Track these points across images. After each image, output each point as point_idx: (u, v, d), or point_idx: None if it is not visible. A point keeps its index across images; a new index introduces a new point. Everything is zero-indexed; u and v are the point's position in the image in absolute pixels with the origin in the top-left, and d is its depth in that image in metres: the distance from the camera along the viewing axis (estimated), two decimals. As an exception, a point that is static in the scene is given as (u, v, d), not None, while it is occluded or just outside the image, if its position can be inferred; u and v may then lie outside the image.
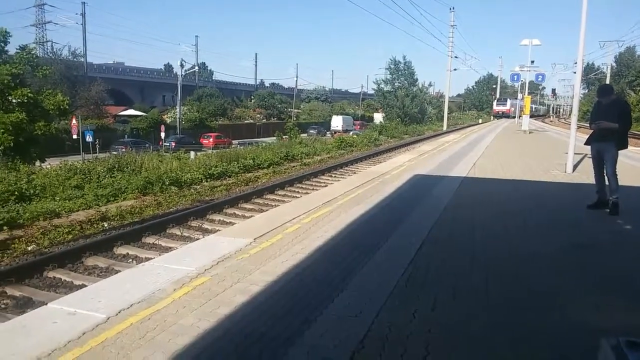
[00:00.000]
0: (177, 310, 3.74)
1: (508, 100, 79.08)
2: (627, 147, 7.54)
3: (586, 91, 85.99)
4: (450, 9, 50.63)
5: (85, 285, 5.98)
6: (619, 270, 4.88)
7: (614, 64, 67.36)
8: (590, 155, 8.00)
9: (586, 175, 10.45)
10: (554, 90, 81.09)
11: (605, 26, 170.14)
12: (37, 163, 19.76)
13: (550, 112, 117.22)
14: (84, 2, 59.31)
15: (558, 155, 15.24)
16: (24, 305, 6.47)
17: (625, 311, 3.87)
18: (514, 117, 57.52)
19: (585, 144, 7.90)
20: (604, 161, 7.49)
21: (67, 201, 12.54)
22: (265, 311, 3.73)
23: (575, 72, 15.64)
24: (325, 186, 14.08)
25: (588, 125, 8.35)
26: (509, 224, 6.71)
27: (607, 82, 48.73)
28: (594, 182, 7.81)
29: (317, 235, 6.00)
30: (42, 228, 10.19)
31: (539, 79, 35.67)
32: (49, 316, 3.65)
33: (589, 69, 77.34)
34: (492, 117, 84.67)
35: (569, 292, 4.23)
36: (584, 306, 3.95)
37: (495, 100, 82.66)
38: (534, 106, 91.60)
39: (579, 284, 4.46)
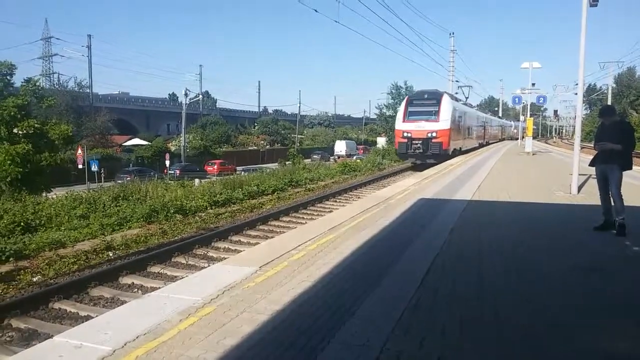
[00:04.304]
0: (184, 341, 3.71)
1: (444, 101, 29.37)
2: (631, 168, 7.52)
3: (588, 112, 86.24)
4: (450, 34, 50.94)
5: (91, 317, 5.97)
6: (627, 294, 4.84)
7: (614, 85, 67.65)
8: (594, 177, 7.99)
9: (591, 196, 10.41)
10: (555, 112, 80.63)
11: (604, 47, 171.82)
12: (43, 193, 19.87)
13: (554, 133, 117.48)
14: (90, 35, 60.49)
15: (562, 177, 15.22)
16: (29, 337, 6.43)
17: (634, 338, 3.82)
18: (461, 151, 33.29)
19: (590, 165, 7.90)
20: (609, 182, 7.48)
21: (72, 231, 12.56)
22: (272, 341, 3.70)
23: (576, 94, 15.75)
24: (330, 212, 14.08)
25: (592, 146, 8.36)
26: (516, 248, 6.67)
27: (609, 102, 48.94)
28: (600, 204, 7.78)
29: (323, 262, 5.98)
30: (48, 258, 10.19)
31: (540, 101, 35.70)
32: (55, 349, 3.63)
33: (590, 90, 77.79)
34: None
35: (577, 317, 4.19)
36: (592, 331, 3.90)
37: (403, 109, 30.44)
38: (511, 123, 79.67)
39: (587, 308, 4.40)
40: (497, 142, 59.33)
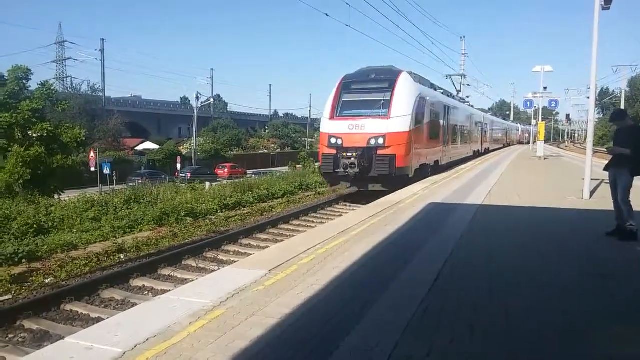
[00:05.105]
0: (193, 344, 3.73)
1: (401, 85, 17.23)
2: None
3: (601, 116, 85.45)
4: (461, 37, 50.65)
5: (102, 319, 6.01)
6: (638, 300, 4.79)
7: (627, 89, 66.99)
8: (607, 181, 7.92)
9: (603, 201, 10.30)
10: (568, 116, 79.84)
11: (618, 51, 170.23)
12: (56, 196, 20.09)
13: (566, 137, 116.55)
14: (103, 39, 61.23)
15: (574, 181, 15.08)
16: (41, 338, 6.49)
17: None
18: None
19: (604, 169, 7.86)
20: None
21: (84, 233, 12.67)
22: (281, 345, 3.71)
23: (589, 97, 15.64)
24: (340, 215, 14.06)
25: (604, 150, 8.31)
26: (526, 253, 6.62)
27: (622, 106, 48.48)
28: (612, 209, 7.70)
29: (333, 266, 5.98)
30: (60, 260, 10.28)
31: (552, 105, 35.49)
32: (66, 351, 3.67)
33: (603, 94, 77.05)
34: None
35: (588, 322, 4.15)
36: (603, 337, 3.86)
37: (333, 98, 17.71)
38: (517, 126, 73.91)
39: (599, 314, 4.36)
40: (499, 148, 49.95)
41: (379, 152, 16.06)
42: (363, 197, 17.11)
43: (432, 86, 22.31)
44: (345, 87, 17.72)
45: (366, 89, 17.58)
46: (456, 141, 26.24)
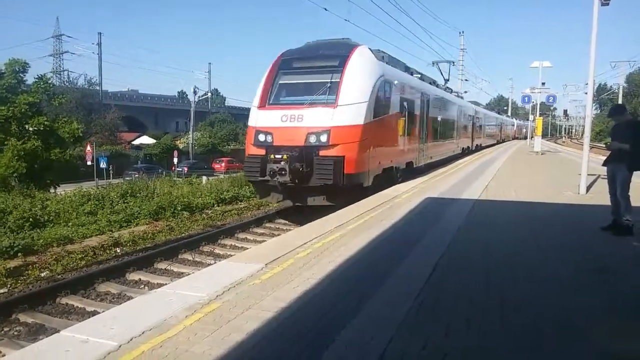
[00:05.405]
0: (189, 337, 3.73)
1: (354, 61, 12.63)
2: None
3: (598, 111, 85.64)
4: (459, 33, 50.64)
5: (98, 312, 6.01)
6: (635, 295, 4.81)
7: (625, 84, 67.04)
8: (604, 176, 7.94)
9: (599, 196, 10.33)
10: (565, 112, 79.93)
11: (616, 47, 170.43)
12: (52, 189, 20.05)
13: (563, 132, 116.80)
14: (100, 33, 60.81)
15: (571, 176, 15.11)
16: (36, 332, 6.49)
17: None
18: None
19: (603, 165, 7.87)
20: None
21: (80, 227, 12.65)
22: (277, 338, 3.71)
23: (586, 93, 15.65)
24: (336, 210, 14.04)
25: (601, 146, 8.34)
26: (523, 247, 6.64)
27: (620, 101, 48.58)
28: (609, 204, 7.72)
29: (329, 260, 5.97)
30: (56, 254, 10.26)
31: (550, 101, 35.51)
32: (62, 344, 3.65)
33: (600, 89, 77.27)
34: None
35: (585, 317, 4.16)
36: (599, 332, 3.87)
37: (264, 81, 13.22)
38: (513, 121, 72.72)
39: (595, 309, 4.37)
40: (493, 144, 46.19)
41: (322, 152, 11.66)
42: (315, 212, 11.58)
43: (408, 70, 17.80)
44: (283, 66, 13.34)
45: (311, 68, 13.07)
46: (439, 137, 21.98)
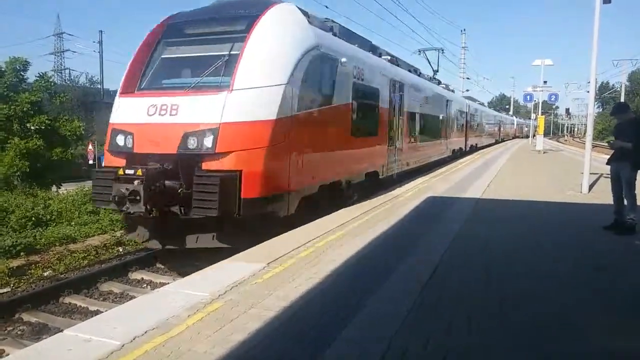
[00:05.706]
0: (191, 336, 3.74)
1: (265, 23, 8.19)
2: None
3: (600, 110, 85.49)
4: (461, 31, 50.62)
5: (101, 311, 6.02)
6: (635, 293, 4.81)
7: (627, 83, 66.88)
8: (606, 175, 7.93)
9: (602, 195, 10.31)
10: (567, 110, 79.79)
11: (618, 45, 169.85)
12: (54, 188, 20.07)
13: (565, 131, 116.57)
14: (101, 31, 60.76)
15: (573, 175, 15.09)
16: (40, 331, 6.50)
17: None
18: None
19: (607, 163, 7.88)
20: (621, 181, 7.42)
21: (83, 226, 12.66)
22: (279, 337, 3.72)
23: (588, 91, 15.62)
24: (338, 209, 14.02)
25: (603, 144, 8.34)
26: (524, 246, 6.65)
27: (622, 100, 48.45)
28: (612, 203, 7.71)
29: (331, 258, 5.98)
30: (58, 253, 10.28)
31: (552, 99, 35.48)
32: (65, 343, 3.67)
33: (603, 88, 77.12)
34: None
35: (585, 315, 4.17)
36: (599, 330, 3.87)
37: (133, 59, 8.73)
38: (513, 119, 72.46)
39: (595, 306, 4.38)
40: (490, 144, 41.78)
41: (205, 164, 7.42)
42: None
43: (373, 49, 13.71)
44: (169, 33, 9.18)
45: (207, 34, 8.86)
46: (419, 137, 17.59)
